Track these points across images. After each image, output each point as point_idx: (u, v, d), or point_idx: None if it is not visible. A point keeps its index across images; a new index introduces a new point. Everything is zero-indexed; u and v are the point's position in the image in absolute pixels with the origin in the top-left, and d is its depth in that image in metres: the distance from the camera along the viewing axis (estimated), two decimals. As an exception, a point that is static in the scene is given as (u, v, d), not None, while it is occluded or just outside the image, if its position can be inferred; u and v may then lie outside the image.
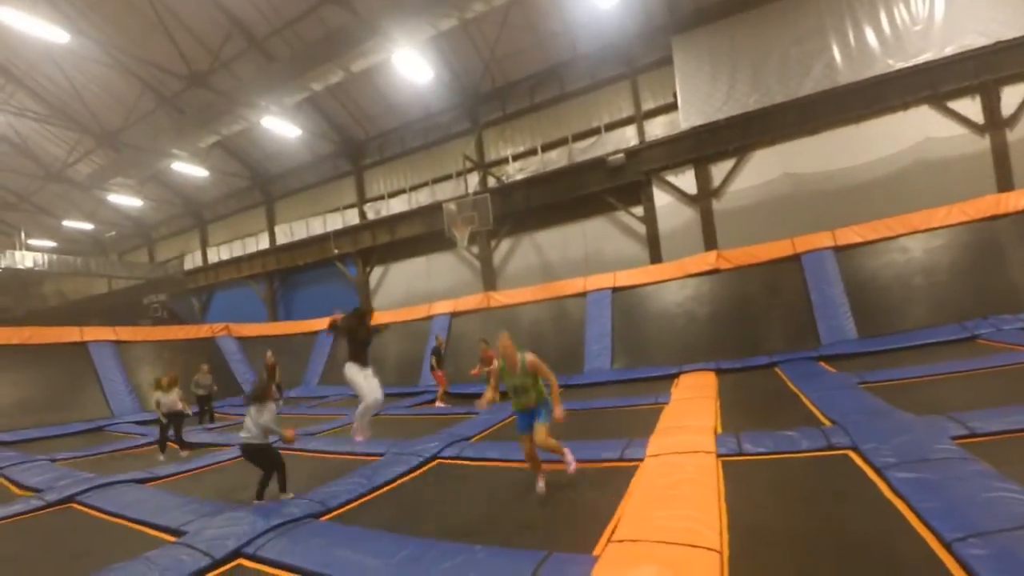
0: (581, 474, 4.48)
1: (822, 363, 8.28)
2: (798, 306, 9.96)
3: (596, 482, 4.39)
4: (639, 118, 13.96)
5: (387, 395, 12.24)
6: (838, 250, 10.25)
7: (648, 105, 13.93)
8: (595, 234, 14.54)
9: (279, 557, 3.42)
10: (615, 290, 11.97)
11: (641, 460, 4.45)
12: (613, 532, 3.11)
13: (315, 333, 16.42)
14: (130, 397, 12.05)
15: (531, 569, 2.78)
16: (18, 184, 24.04)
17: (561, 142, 15.06)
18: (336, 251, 18.49)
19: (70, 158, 20.91)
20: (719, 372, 8.79)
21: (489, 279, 15.79)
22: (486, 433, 6.91)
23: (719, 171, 12.85)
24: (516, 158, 15.77)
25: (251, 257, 21.78)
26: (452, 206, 14.25)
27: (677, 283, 11.51)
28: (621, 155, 13.37)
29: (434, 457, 5.73)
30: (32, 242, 25.61)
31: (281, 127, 14.64)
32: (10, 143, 20.94)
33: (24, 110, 17.83)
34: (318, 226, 20.03)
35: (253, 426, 4.64)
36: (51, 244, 26.49)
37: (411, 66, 11.89)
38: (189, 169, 17.14)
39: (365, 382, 6.10)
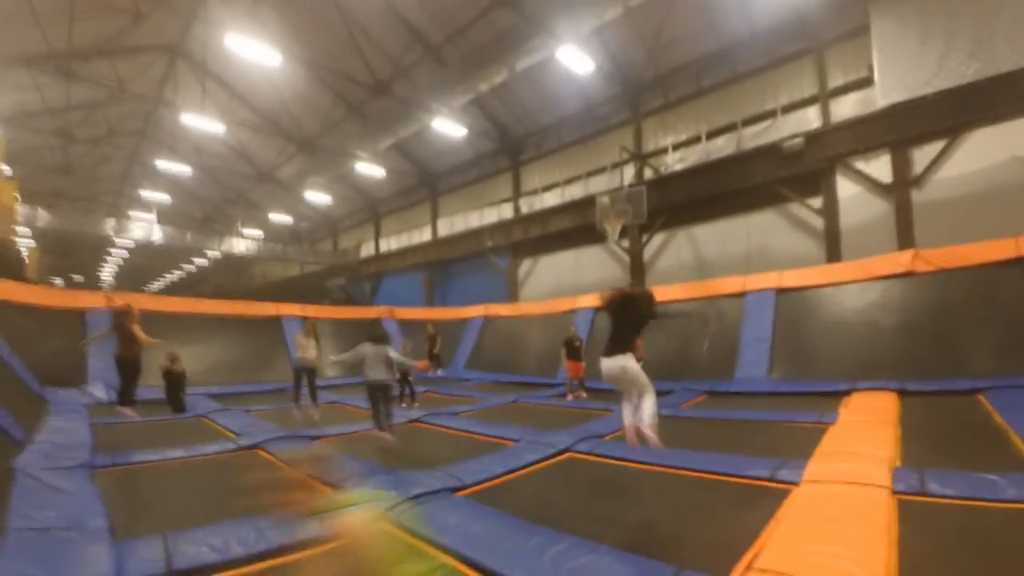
0: (722, 488, 4.14)
1: None
2: (1017, 321, 8.13)
3: (739, 501, 4.09)
4: (824, 97, 12.68)
5: (525, 384, 12.67)
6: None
7: (836, 82, 12.60)
8: (761, 228, 13.45)
9: (415, 525, 3.67)
10: (780, 291, 10.97)
11: (796, 484, 4.04)
12: (754, 559, 2.81)
13: (466, 320, 17.46)
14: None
15: (655, 584, 2.66)
16: (237, 183, 29.48)
17: (729, 128, 14.30)
18: (489, 243, 19.52)
19: (277, 161, 24.87)
20: (902, 394, 7.71)
21: (638, 275, 15.47)
22: (621, 433, 6.71)
23: (923, 156, 11.03)
24: (677, 147, 15.32)
25: (415, 248, 24.26)
26: (605, 199, 14.23)
27: (858, 286, 10.15)
28: (799, 139, 12.15)
29: (566, 450, 5.81)
30: (246, 231, 31.07)
31: (448, 127, 16.03)
32: (232, 149, 25.68)
33: (244, 121, 21.65)
34: (475, 220, 21.64)
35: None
36: (259, 233, 31.86)
37: (572, 60, 12.28)
38: (369, 169, 19.60)
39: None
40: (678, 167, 14.91)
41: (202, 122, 16.81)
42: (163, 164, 22.06)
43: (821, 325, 10.31)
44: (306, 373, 8.62)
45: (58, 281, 38.56)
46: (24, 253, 28.31)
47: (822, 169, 12.25)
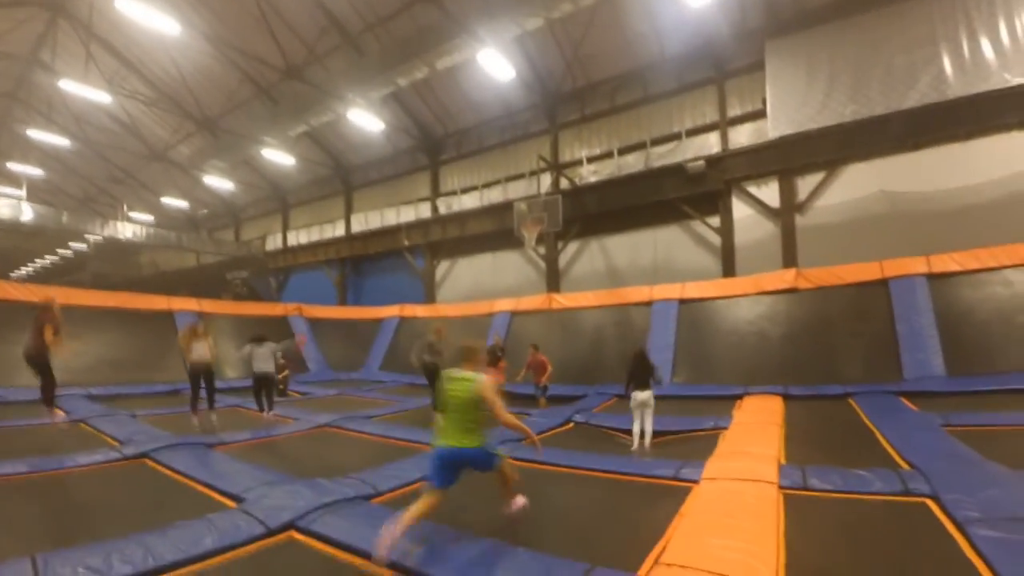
0: (631, 488, 4.38)
1: (903, 399, 7.84)
2: (881, 335, 9.42)
3: (645, 499, 4.34)
4: (723, 124, 13.75)
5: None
6: (932, 277, 9.79)
7: (734, 111, 13.68)
8: (666, 242, 14.29)
9: (330, 533, 3.59)
10: (682, 301, 11.75)
11: (696, 482, 4.30)
12: (661, 554, 3.01)
13: (380, 320, 17.02)
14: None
15: (573, 581, 2.75)
16: (125, 161, 26.78)
17: (639, 146, 15.08)
18: (406, 242, 19.27)
19: (172, 140, 22.81)
20: (787, 398, 8.55)
21: (553, 280, 15.89)
22: (539, 437, 6.86)
23: (806, 184, 12.31)
24: (591, 160, 15.93)
25: (327, 243, 23.24)
26: (523, 205, 14.48)
27: (750, 299, 11.12)
28: (701, 162, 13.07)
29: (486, 454, 5.77)
30: (133, 215, 28.18)
31: (365, 120, 15.53)
32: (121, 123, 23.34)
33: (135, 93, 19.81)
34: (392, 217, 21.14)
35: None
36: (150, 218, 29.13)
37: (494, 64, 12.41)
38: (277, 156, 18.54)
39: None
40: (592, 179, 15.57)
41: (85, 90, 15.01)
42: (36, 134, 19.47)
43: (718, 334, 11.20)
44: (202, 375, 7.88)
45: None
46: None
47: (720, 191, 13.32)
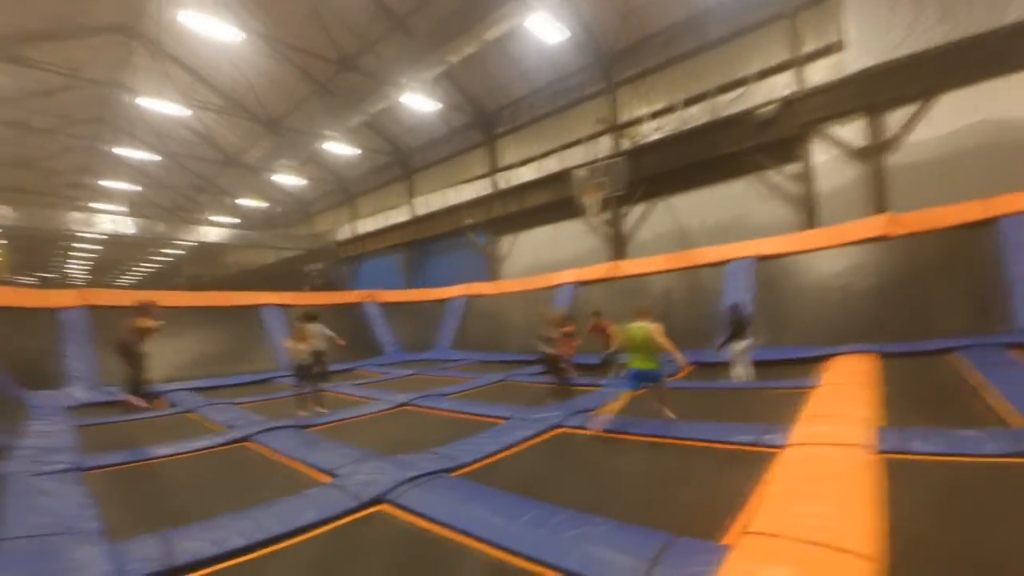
0: (711, 455, 4.29)
1: (1014, 351, 6.97)
2: (988, 281, 8.44)
3: (727, 466, 4.26)
4: (797, 63, 12.75)
5: (511, 362, 12.78)
6: (1051, 212, 8.50)
7: (808, 48, 12.66)
8: (739, 197, 13.65)
9: (415, 505, 3.77)
10: (759, 259, 11.18)
11: (782, 448, 4.13)
12: (747, 523, 2.92)
13: (447, 300, 17.50)
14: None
15: (656, 550, 2.79)
16: (204, 169, 28.72)
17: (703, 96, 14.32)
18: (468, 220, 19.33)
19: (244, 144, 24.18)
20: (882, 356, 7.83)
21: (618, 247, 15.57)
22: (615, 406, 6.85)
23: (895, 119, 11.25)
24: (653, 116, 15.30)
25: (392, 229, 24.02)
26: (582, 172, 14.18)
27: (834, 252, 10.40)
28: (773, 106, 12.18)
29: (557, 426, 5.88)
30: (216, 219, 30.29)
31: (419, 102, 15.76)
32: (197, 133, 24.93)
33: (207, 103, 20.96)
34: (452, 197, 21.50)
35: None
36: (232, 220, 31.07)
37: (544, 28, 12.17)
38: (340, 148, 19.23)
39: None
40: (654, 136, 14.92)
41: (163, 106, 16.18)
42: (123, 152, 21.28)
43: (799, 292, 10.56)
44: (303, 368, 8.14)
45: (27, 280, 37.29)
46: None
47: (797, 135, 12.39)
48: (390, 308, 17.51)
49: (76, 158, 28.82)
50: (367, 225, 26.67)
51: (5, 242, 26.26)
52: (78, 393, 9.78)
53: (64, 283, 41.35)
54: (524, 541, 3.13)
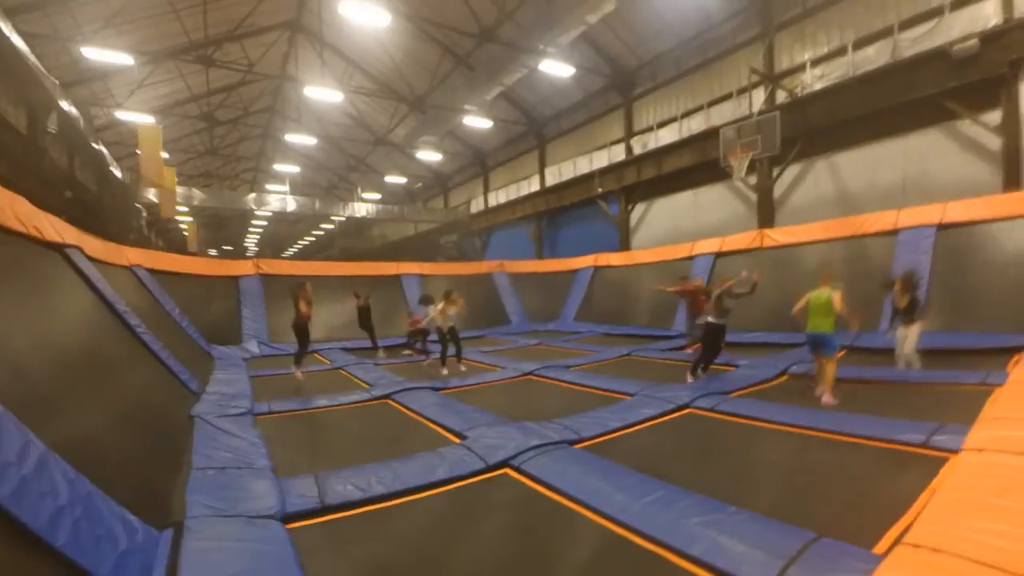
0: (867, 453, 3.82)
1: None
2: None
3: (887, 468, 3.78)
4: (1011, -18, 10.18)
5: (637, 336, 12.43)
6: None
7: (1026, -40, 10.03)
8: (920, 152, 11.64)
9: (539, 474, 3.87)
10: (942, 227, 9.55)
11: (955, 452, 3.56)
12: (905, 532, 2.56)
13: (575, 271, 17.43)
14: (429, 319, 14.89)
15: (794, 548, 2.57)
16: (356, 149, 31.27)
17: (883, 34, 12.27)
18: (600, 189, 18.94)
19: (391, 124, 26.01)
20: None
21: (766, 214, 14.27)
22: (749, 390, 6.41)
23: None
24: (816, 63, 13.54)
25: (523, 199, 24.48)
26: (730, 131, 13.02)
27: (1043, 219, 8.42)
28: (974, 41, 10.12)
29: (686, 406, 5.66)
30: (365, 195, 33.17)
31: (556, 68, 15.62)
32: (350, 116, 27.15)
33: (360, 88, 22.74)
34: (585, 165, 21.18)
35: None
36: (377, 196, 33.84)
37: None
38: (477, 122, 19.90)
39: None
40: (817, 86, 13.15)
41: (323, 93, 17.89)
42: (291, 137, 24.02)
43: (992, 267, 8.79)
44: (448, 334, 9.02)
45: (213, 252, 44.33)
46: (185, 229, 32.96)
47: (1001, 76, 10.13)
48: (518, 278, 17.96)
49: (252, 145, 33.23)
50: (499, 197, 27.40)
51: (191, 219, 31.31)
52: (252, 348, 11.61)
53: (242, 255, 48.39)
54: (648, 521, 3.06)
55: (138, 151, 18.55)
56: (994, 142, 10.50)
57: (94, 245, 7.79)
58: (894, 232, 10.14)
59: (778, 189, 14.32)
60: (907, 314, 6.81)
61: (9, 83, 12.99)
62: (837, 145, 12.99)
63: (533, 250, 24.11)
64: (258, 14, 18.63)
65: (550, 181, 23.27)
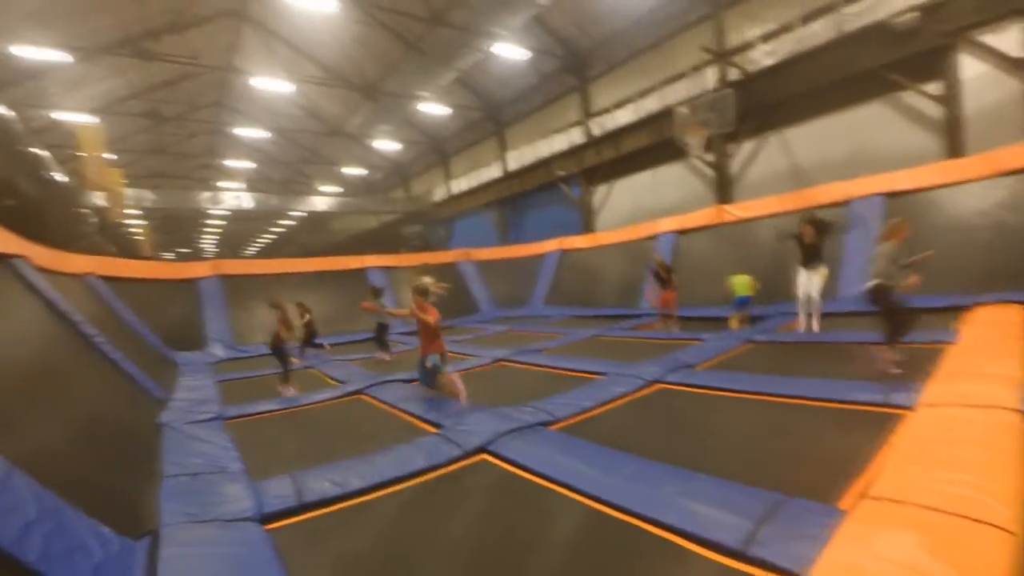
0: (827, 415, 4.00)
1: None
2: None
3: (845, 426, 3.98)
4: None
5: (606, 316, 12.64)
6: None
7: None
8: (866, 124, 12.17)
9: (515, 457, 3.94)
10: (890, 195, 9.94)
11: (911, 409, 3.76)
12: (868, 487, 2.71)
13: (541, 255, 17.51)
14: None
15: (764, 510, 2.69)
16: (310, 141, 30.40)
17: (827, 9, 12.64)
18: (560, 173, 18.97)
19: (344, 113, 25.43)
20: (1036, 306, 6.70)
21: (724, 190, 14.54)
22: (714, 361, 6.62)
23: (1070, 16, 9.15)
24: (766, 39, 13.82)
25: (485, 186, 24.44)
26: (684, 109, 13.19)
27: (983, 184, 9.03)
28: (914, 14, 10.54)
29: (656, 381, 5.77)
30: (323, 188, 32.41)
31: (510, 51, 15.37)
32: (302, 108, 26.37)
33: (310, 77, 22.03)
34: (544, 148, 21.24)
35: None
36: (336, 189, 33.07)
37: None
38: (433, 108, 19.56)
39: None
40: (768, 62, 13.46)
41: (272, 83, 17.32)
42: (241, 131, 23.21)
43: (938, 232, 9.23)
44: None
45: (169, 256, 42.61)
46: (138, 234, 31.59)
47: (941, 47, 10.63)
48: (485, 266, 17.93)
49: (201, 141, 31.95)
50: (461, 184, 27.21)
51: (146, 223, 30.06)
52: (218, 351, 11.26)
53: (199, 257, 46.74)
54: (623, 494, 3.14)
55: (79, 153, 17.62)
56: (937, 112, 11.01)
57: (41, 254, 7.40)
58: (846, 202, 10.54)
59: (734, 166, 14.69)
60: (814, 257, 7.31)
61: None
62: (788, 120, 13.41)
63: (498, 236, 24.09)
64: (200, 3, 17.84)
65: (512, 166, 23.24)
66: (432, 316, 5.80)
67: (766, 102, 13.23)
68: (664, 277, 9.99)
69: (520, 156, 22.77)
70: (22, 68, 16.30)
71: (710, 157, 14.73)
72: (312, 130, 28.17)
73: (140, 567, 2.60)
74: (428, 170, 30.97)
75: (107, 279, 10.73)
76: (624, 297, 13.82)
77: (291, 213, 30.67)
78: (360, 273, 15.46)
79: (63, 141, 22.06)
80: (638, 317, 11.99)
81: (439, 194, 29.15)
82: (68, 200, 21.04)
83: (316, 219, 37.78)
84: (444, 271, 16.66)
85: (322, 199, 29.39)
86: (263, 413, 6.19)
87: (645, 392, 5.64)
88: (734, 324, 8.99)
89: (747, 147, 14.42)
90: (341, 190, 33.79)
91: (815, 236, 7.61)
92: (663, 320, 10.06)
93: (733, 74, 14.17)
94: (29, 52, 13.00)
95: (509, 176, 22.99)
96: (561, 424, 4.77)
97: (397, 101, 20.59)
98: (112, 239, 22.86)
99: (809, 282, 7.53)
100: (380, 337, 10.03)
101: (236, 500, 3.37)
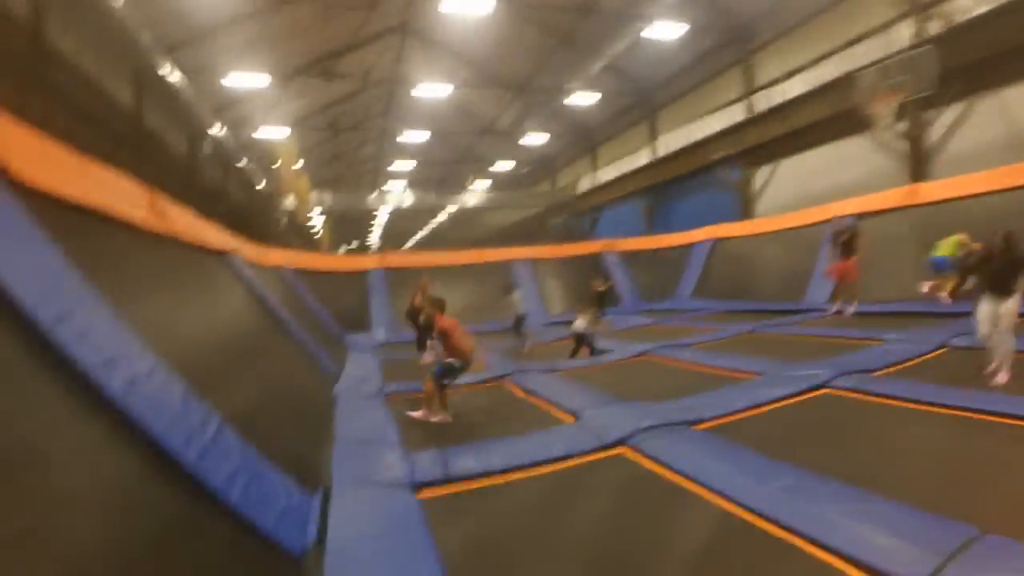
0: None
1: None
2: None
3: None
4: None
5: (763, 311, 11.60)
6: None
7: None
8: None
9: (657, 454, 3.80)
10: None
11: None
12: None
13: (690, 245, 16.67)
14: (540, 306, 14.99)
15: (953, 544, 2.28)
16: (464, 141, 32.12)
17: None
18: (717, 154, 17.60)
19: (496, 112, 26.50)
20: None
21: (919, 166, 12.32)
22: (897, 368, 5.71)
23: None
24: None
25: (632, 174, 23.66)
26: (872, 73, 11.37)
27: None
28: None
29: (821, 386, 5.15)
30: (475, 184, 34.28)
31: (663, 31, 14.80)
32: (458, 109, 27.90)
33: (466, 80, 23.32)
34: (698, 131, 19.77)
35: None
36: (486, 184, 34.73)
37: None
38: (581, 99, 19.66)
39: None
40: (982, 9, 11.07)
41: (431, 89, 18.66)
42: (404, 138, 25.43)
43: None
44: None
45: (344, 248, 48.50)
46: (318, 230, 36.44)
47: None
48: (629, 256, 17.50)
49: (371, 148, 35.61)
50: (607, 174, 26.73)
51: (323, 221, 34.50)
52: (379, 335, 12.66)
53: (366, 250, 52.40)
54: (777, 507, 2.85)
55: (277, 163, 20.78)
56: None
57: (248, 250, 8.90)
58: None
59: (931, 137, 12.41)
60: (1001, 283, 4.92)
61: (172, 115, 15.16)
62: (1008, 77, 10.90)
63: (644, 226, 23.30)
64: (371, 22, 19.79)
65: (661, 152, 22.17)
66: (446, 324, 5.50)
67: (978, 57, 10.85)
68: (849, 243, 8.92)
69: (670, 141, 21.63)
70: (232, 95, 19.62)
71: (901, 127, 12.56)
72: (466, 129, 29.73)
73: (315, 516, 3.08)
74: (574, 161, 30.99)
75: (295, 270, 12.62)
76: (787, 289, 12.52)
77: (446, 209, 32.89)
78: (507, 264, 16.07)
79: (264, 153, 26.22)
80: (804, 312, 10.80)
81: (584, 185, 28.99)
82: (266, 203, 25.03)
83: (467, 214, 40.11)
84: (586, 262, 16.64)
85: (473, 195, 31.13)
86: (416, 392, 6.73)
87: (808, 396, 5.07)
88: (940, 293, 7.93)
89: (950, 114, 12.02)
90: (490, 184, 35.37)
91: (1007, 250, 5.02)
92: (838, 293, 8.96)
93: (933, 28, 11.89)
94: (239, 80, 15.64)
95: (659, 162, 21.90)
96: (708, 424, 4.51)
97: (547, 95, 20.84)
98: (298, 235, 26.74)
99: (994, 315, 4.98)
100: (517, 328, 10.39)
101: (393, 467, 3.80)
